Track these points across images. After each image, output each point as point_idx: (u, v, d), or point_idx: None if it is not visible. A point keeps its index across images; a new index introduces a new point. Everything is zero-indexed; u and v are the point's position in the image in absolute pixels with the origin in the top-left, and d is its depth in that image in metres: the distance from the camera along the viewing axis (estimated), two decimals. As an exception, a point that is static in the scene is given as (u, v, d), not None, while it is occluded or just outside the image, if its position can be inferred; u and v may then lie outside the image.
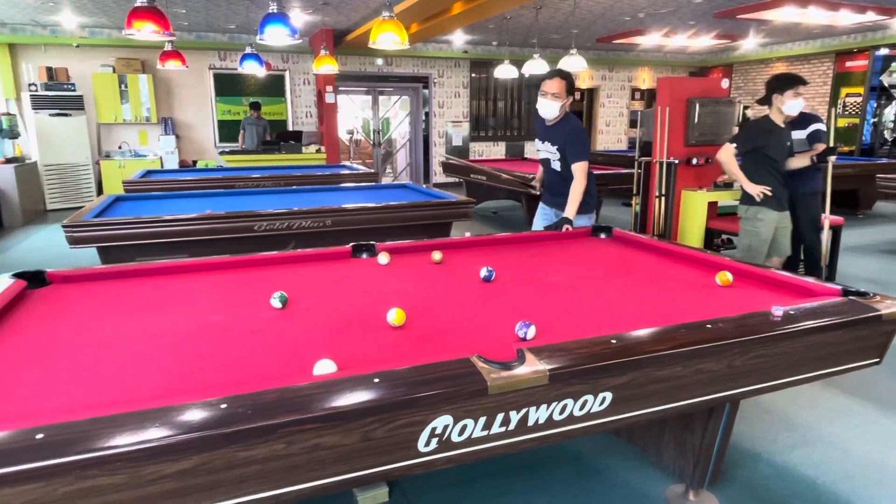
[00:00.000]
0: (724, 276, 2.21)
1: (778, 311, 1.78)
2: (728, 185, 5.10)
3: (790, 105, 3.82)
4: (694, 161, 5.14)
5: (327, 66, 7.57)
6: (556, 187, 3.63)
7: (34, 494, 1.09)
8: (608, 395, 1.54)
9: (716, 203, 5.18)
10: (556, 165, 3.55)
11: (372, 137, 11.84)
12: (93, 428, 1.15)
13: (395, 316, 1.80)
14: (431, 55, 11.37)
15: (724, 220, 5.16)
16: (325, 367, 1.43)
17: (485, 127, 12.27)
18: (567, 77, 3.37)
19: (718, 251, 4.64)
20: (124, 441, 1.13)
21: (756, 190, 3.84)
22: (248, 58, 7.16)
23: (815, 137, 4.27)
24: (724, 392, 1.75)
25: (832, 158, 4.16)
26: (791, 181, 4.12)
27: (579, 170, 3.38)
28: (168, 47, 6.75)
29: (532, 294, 2.16)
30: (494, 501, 2.20)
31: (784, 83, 3.83)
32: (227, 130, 10.29)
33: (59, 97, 8.69)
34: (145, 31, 4.19)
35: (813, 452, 2.51)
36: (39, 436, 1.13)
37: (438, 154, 11.88)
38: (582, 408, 1.52)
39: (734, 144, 3.90)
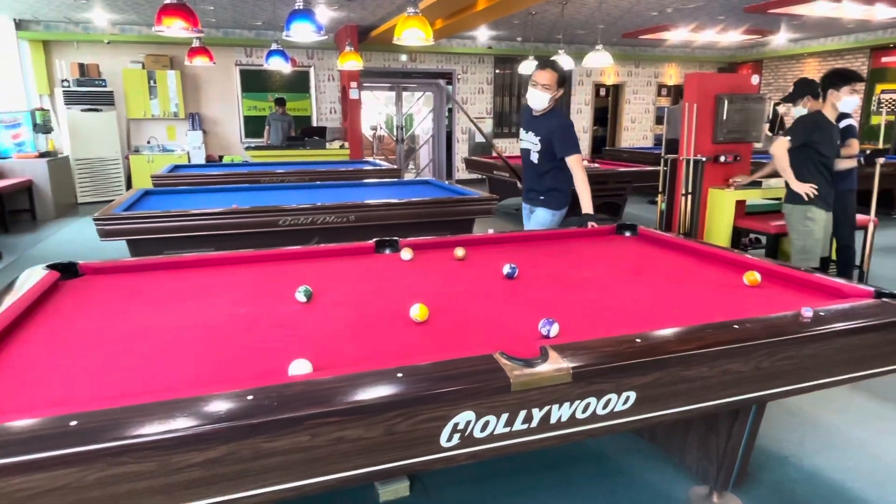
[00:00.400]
0: (752, 276, 2.17)
1: (808, 312, 1.74)
2: (756, 184, 5.01)
3: (846, 102, 3.72)
4: (722, 159, 5.06)
5: (352, 62, 7.61)
6: (531, 181, 3.59)
7: (67, 479, 1.12)
8: (632, 395, 1.53)
9: (744, 202, 5.09)
10: (535, 157, 3.49)
11: (395, 133, 11.87)
12: (124, 416, 1.18)
13: (417, 311, 1.81)
14: (455, 51, 11.35)
15: (752, 218, 5.07)
16: (300, 368, 1.42)
17: (508, 123, 12.22)
18: (559, 69, 3.35)
19: (746, 250, 4.55)
20: (154, 429, 1.16)
21: (804, 189, 3.75)
22: (273, 54, 7.23)
23: (849, 133, 4.17)
24: (751, 394, 1.72)
25: (880, 160, 4.08)
26: None
27: (575, 163, 3.34)
28: (196, 44, 6.85)
29: (555, 291, 2.15)
30: (515, 499, 2.20)
31: (841, 79, 3.73)
32: (253, 126, 10.41)
33: (91, 93, 8.88)
34: (174, 28, 4.25)
35: (841, 457, 2.46)
36: (73, 423, 1.16)
37: (461, 150, 11.86)
38: (605, 406, 1.52)
39: (788, 138, 3.80)
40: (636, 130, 13.28)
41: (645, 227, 3.08)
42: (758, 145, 5.77)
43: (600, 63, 7.62)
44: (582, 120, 12.72)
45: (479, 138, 11.86)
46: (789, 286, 2.15)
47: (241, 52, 10.19)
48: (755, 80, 5.19)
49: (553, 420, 1.47)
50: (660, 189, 5.52)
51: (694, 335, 1.61)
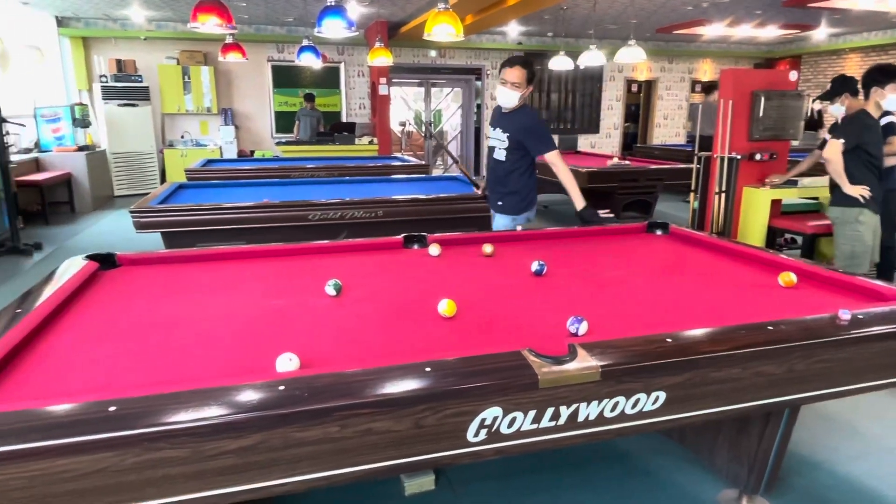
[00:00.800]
0: (788, 277, 2.13)
1: (845, 314, 1.70)
2: (792, 183, 4.89)
3: (891, 100, 3.59)
4: (757, 157, 4.95)
5: (382, 58, 7.65)
6: (497, 182, 3.49)
7: (106, 463, 1.16)
8: (662, 395, 1.52)
9: (779, 201, 4.98)
10: (501, 155, 3.41)
11: (423, 129, 11.89)
12: (160, 403, 1.22)
13: (445, 307, 1.82)
14: (485, 47, 11.32)
15: (788, 218, 4.95)
16: (286, 363, 1.42)
17: (537, 119, 12.13)
18: (529, 66, 3.28)
19: (781, 251, 4.44)
20: (188, 417, 1.20)
21: (858, 191, 3.63)
22: (305, 50, 7.30)
23: (889, 130, 4.04)
24: (784, 397, 1.69)
25: None
26: None
27: (556, 158, 3.26)
28: (229, 40, 6.97)
29: (584, 289, 2.14)
30: (540, 496, 2.20)
31: (886, 76, 3.60)
32: (284, 121, 10.53)
33: (127, 88, 9.09)
34: (209, 25, 4.33)
35: (878, 465, 2.39)
36: (112, 408, 1.20)
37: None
38: (634, 406, 1.51)
39: (842, 140, 3.65)
40: (669, 127, 13.07)
41: (677, 226, 3.03)
42: (795, 143, 5.63)
43: (633, 59, 7.51)
44: (613, 116, 12.57)
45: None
46: (826, 288, 2.10)
47: (272, 48, 10.32)
48: (793, 76, 5.03)
49: (581, 418, 1.47)
50: (692, 187, 5.43)
51: (726, 336, 1.59)
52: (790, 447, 2.29)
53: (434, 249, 2.64)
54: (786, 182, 4.88)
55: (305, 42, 7.39)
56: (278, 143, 9.37)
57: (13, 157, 7.00)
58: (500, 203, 3.49)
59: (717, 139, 5.09)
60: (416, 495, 2.20)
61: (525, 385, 1.38)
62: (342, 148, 9.05)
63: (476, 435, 1.40)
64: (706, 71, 13.01)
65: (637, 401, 1.50)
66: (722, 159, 5.03)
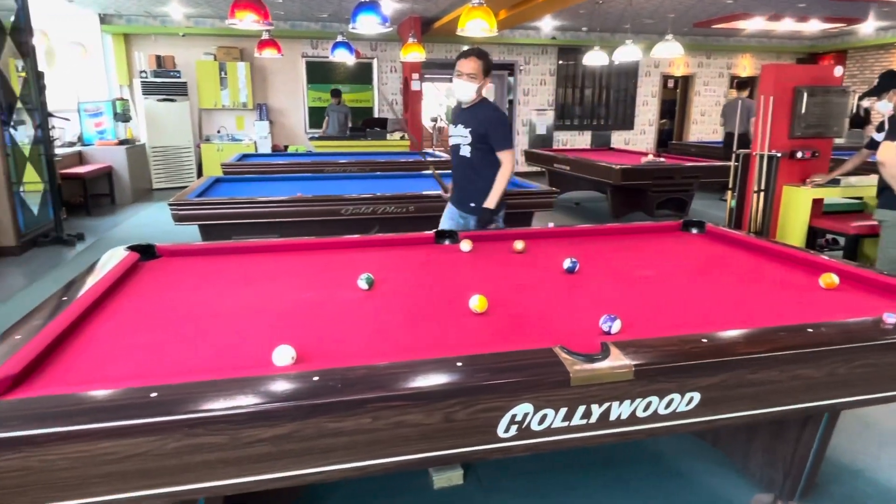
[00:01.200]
0: (829, 279, 2.07)
1: (891, 317, 1.65)
2: (834, 182, 4.74)
3: None
4: (798, 154, 4.82)
5: (414, 53, 7.68)
6: (463, 180, 3.34)
7: (146, 447, 1.20)
8: (696, 396, 1.50)
9: (821, 200, 4.84)
10: (466, 151, 3.27)
11: (455, 125, 11.89)
12: (200, 390, 1.26)
13: (477, 302, 1.82)
14: (518, 42, 11.25)
15: (829, 218, 4.81)
16: (283, 355, 1.43)
17: (570, 115, 12.02)
18: (484, 56, 3.15)
19: (822, 252, 4.31)
20: (226, 404, 1.23)
21: None
22: (339, 46, 7.37)
23: None
24: (824, 401, 1.65)
25: None
26: None
27: (507, 158, 3.16)
28: (265, 36, 7.07)
29: (617, 287, 2.12)
30: (568, 494, 2.19)
31: None
32: (317, 117, 10.65)
33: (166, 83, 9.31)
34: (246, 21, 4.41)
35: (922, 474, 2.32)
36: (154, 394, 1.24)
37: (521, 143, 11.77)
38: (667, 406, 1.49)
39: None
40: (706, 124, 12.80)
41: (713, 225, 2.98)
42: (839, 141, 5.46)
43: (670, 53, 7.38)
44: (648, 112, 12.36)
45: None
46: (870, 290, 2.03)
47: (307, 44, 10.43)
48: (838, 71, 4.87)
49: (612, 417, 1.46)
50: (730, 185, 5.32)
51: (764, 337, 1.56)
52: (828, 453, 2.24)
53: (465, 245, 2.65)
54: (828, 181, 4.74)
55: (339, 38, 7.46)
56: (312, 139, 9.48)
57: (57, 151, 7.24)
58: (472, 205, 3.28)
59: (756, 136, 4.96)
60: (444, 489, 2.21)
61: (556, 382, 1.38)
62: (374, 143, 9.11)
63: (506, 431, 1.40)
64: (745, 66, 12.69)
65: (670, 401, 1.48)
66: (761, 157, 4.91)
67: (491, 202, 3.16)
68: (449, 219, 3.45)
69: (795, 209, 4.79)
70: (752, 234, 4.39)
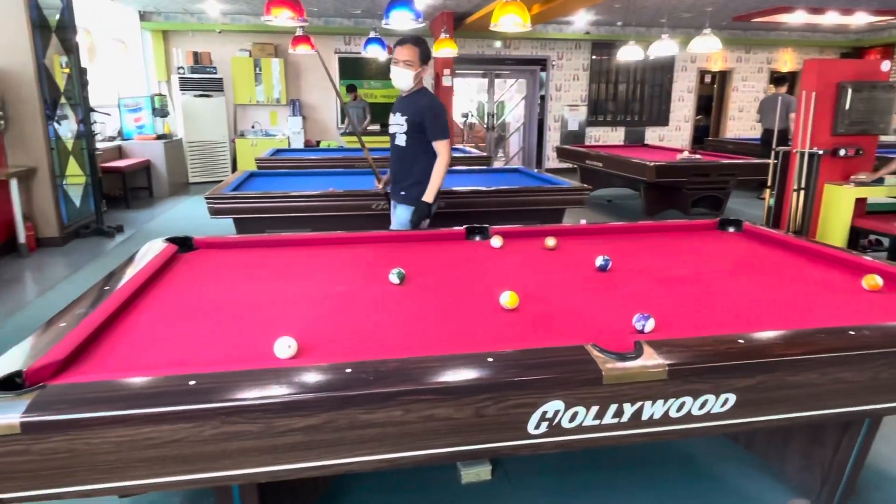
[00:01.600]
0: (873, 280, 2.01)
1: (938, 321, 1.60)
2: (879, 181, 4.59)
3: None
4: (842, 152, 4.68)
5: (447, 49, 7.67)
6: (399, 170, 3.35)
7: (184, 433, 1.24)
8: (731, 397, 1.47)
9: (864, 200, 4.69)
10: (402, 140, 3.27)
11: (486, 121, 11.86)
12: (236, 380, 1.29)
13: (508, 299, 1.82)
14: (551, 37, 11.15)
15: (873, 218, 4.66)
16: (284, 347, 1.45)
17: (603, 111, 11.88)
18: (421, 44, 3.15)
19: (865, 252, 4.18)
20: (262, 394, 1.26)
21: None
22: (371, 42, 7.42)
23: None
24: (865, 406, 1.61)
25: None
26: None
27: (442, 149, 3.16)
28: (299, 32, 7.15)
29: (650, 286, 2.09)
30: (596, 493, 2.18)
31: None
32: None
33: (203, 79, 9.50)
34: (282, 17, 4.46)
35: (969, 484, 2.24)
36: (192, 382, 1.28)
37: (552, 139, 11.68)
38: (701, 407, 1.47)
39: None
40: (743, 120, 12.50)
41: (751, 224, 2.91)
42: (886, 138, 5.28)
43: (708, 48, 7.22)
44: (683, 108, 12.14)
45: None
46: (916, 293, 1.97)
47: (339, 40, 10.52)
48: (886, 66, 4.71)
49: (645, 417, 1.45)
50: (768, 183, 5.19)
51: (804, 339, 1.52)
52: (868, 460, 2.18)
53: (496, 241, 2.65)
54: (873, 180, 4.59)
55: (372, 34, 7.50)
56: (343, 134, 9.57)
57: (98, 145, 7.46)
58: (402, 193, 3.33)
59: (796, 133, 4.83)
60: (472, 484, 2.22)
61: (588, 380, 1.37)
62: (405, 139, 9.12)
63: (537, 427, 1.40)
64: (786, 61, 12.35)
65: (705, 402, 1.47)
66: (802, 154, 4.78)
67: (429, 195, 3.19)
68: (392, 214, 3.49)
69: (837, 208, 4.65)
70: (792, 233, 4.29)
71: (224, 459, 1.28)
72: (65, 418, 1.19)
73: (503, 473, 2.27)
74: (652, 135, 11.97)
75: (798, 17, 9.84)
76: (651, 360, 1.41)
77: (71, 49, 6.08)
